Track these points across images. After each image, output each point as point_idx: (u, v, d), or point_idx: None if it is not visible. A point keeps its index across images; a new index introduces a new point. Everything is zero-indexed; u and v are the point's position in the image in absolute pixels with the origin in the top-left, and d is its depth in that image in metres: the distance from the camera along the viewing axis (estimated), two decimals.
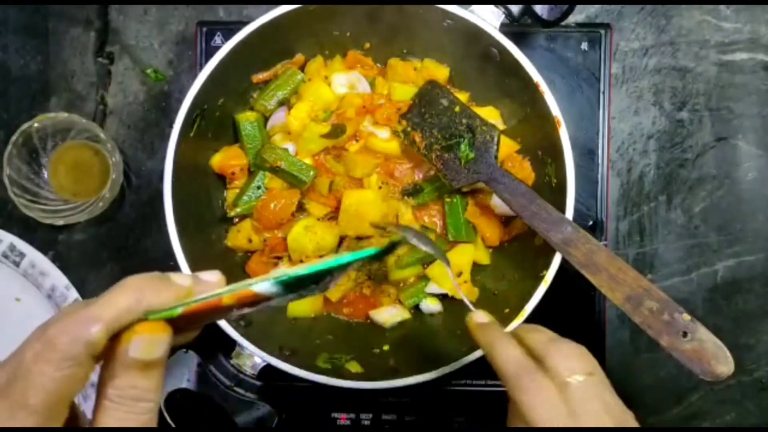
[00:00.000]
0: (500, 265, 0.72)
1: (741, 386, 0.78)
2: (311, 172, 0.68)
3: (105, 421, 0.32)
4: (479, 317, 0.51)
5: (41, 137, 0.76)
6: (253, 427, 0.68)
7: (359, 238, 0.70)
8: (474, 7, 0.64)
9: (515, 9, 0.64)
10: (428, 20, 0.66)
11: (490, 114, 0.71)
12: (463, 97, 0.71)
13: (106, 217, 0.79)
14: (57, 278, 0.76)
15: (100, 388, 0.32)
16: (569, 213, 0.61)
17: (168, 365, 0.33)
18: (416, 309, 0.72)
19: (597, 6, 0.79)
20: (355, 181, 0.70)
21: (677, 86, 0.79)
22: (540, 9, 0.63)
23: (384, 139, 0.70)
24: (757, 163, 0.79)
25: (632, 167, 0.79)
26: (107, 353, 0.32)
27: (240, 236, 0.70)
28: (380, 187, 0.70)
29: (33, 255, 0.76)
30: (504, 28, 0.64)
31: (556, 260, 0.61)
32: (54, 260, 0.77)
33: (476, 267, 0.72)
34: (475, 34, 0.64)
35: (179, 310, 0.32)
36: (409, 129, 0.69)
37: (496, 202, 0.69)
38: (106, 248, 0.80)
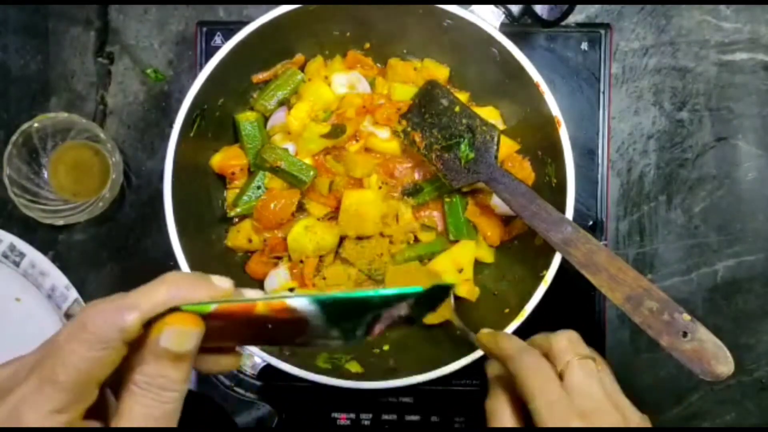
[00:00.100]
0: (500, 265, 0.72)
1: (741, 386, 0.78)
2: (311, 172, 0.68)
3: (130, 406, 0.32)
4: (484, 336, 0.56)
5: (41, 137, 0.76)
6: (253, 427, 0.69)
7: (359, 238, 0.70)
8: (474, 7, 0.64)
9: (515, 9, 0.64)
10: (428, 20, 0.66)
11: (490, 114, 0.71)
12: (463, 97, 0.71)
13: (106, 217, 0.79)
14: (57, 278, 0.76)
15: (129, 372, 0.33)
16: (569, 213, 0.61)
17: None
18: None
19: (597, 6, 0.79)
20: (355, 181, 0.70)
21: (677, 86, 0.79)
22: (540, 9, 0.63)
23: (384, 139, 0.70)
24: (757, 163, 0.79)
25: (632, 167, 0.79)
26: (139, 340, 0.33)
27: (240, 236, 0.70)
28: (380, 187, 0.70)
29: (33, 255, 0.76)
30: (504, 28, 0.64)
31: (556, 260, 0.61)
32: (54, 260, 0.77)
33: (478, 266, 0.72)
34: (475, 34, 0.64)
35: (212, 307, 0.32)
36: (409, 129, 0.69)
37: (496, 202, 0.69)
38: (106, 248, 0.80)
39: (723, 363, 0.52)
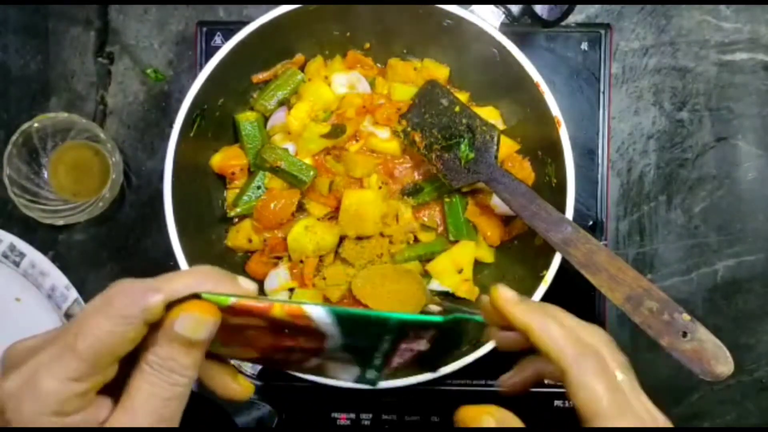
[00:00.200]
0: (500, 264, 0.72)
1: (741, 386, 0.78)
2: (311, 172, 0.68)
3: (139, 384, 0.33)
4: (506, 292, 0.43)
5: (41, 137, 0.76)
6: (253, 427, 0.69)
7: (359, 238, 0.70)
8: (474, 7, 0.64)
9: (515, 9, 0.64)
10: (428, 20, 0.66)
11: (490, 114, 0.71)
12: (463, 97, 0.71)
13: (106, 217, 0.79)
14: (57, 278, 0.76)
15: (143, 351, 0.33)
16: (569, 213, 0.61)
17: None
18: None
19: (597, 6, 0.79)
20: (355, 181, 0.70)
21: (677, 86, 0.79)
22: (540, 9, 0.63)
23: (384, 139, 0.70)
24: (757, 163, 0.79)
25: (632, 167, 0.79)
26: (158, 323, 0.33)
27: (240, 236, 0.70)
28: (380, 187, 0.70)
29: (33, 255, 0.76)
30: (504, 28, 0.64)
31: (556, 260, 0.61)
32: (54, 260, 0.77)
33: (478, 266, 0.72)
34: (475, 34, 0.64)
35: (231, 300, 0.32)
36: (409, 129, 0.69)
37: (496, 202, 0.69)
38: (106, 248, 0.80)
39: (723, 363, 0.52)
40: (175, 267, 0.62)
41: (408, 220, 0.70)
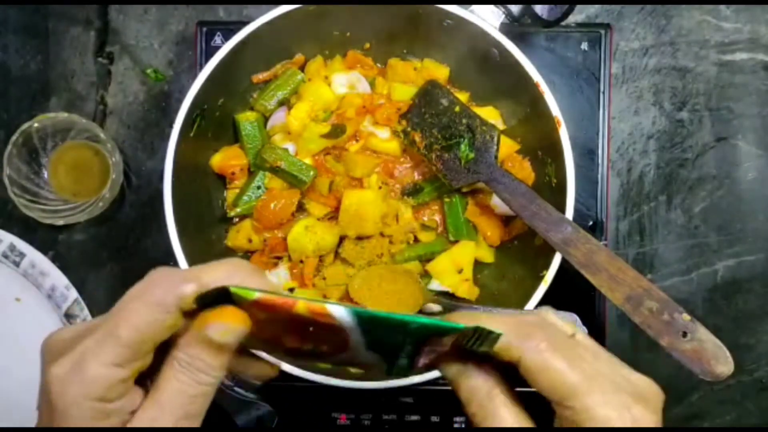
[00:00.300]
0: (500, 264, 0.72)
1: (741, 386, 0.78)
2: (311, 172, 0.68)
3: (168, 379, 0.34)
4: (430, 308, 0.45)
5: (41, 137, 0.76)
6: (253, 427, 0.68)
7: (359, 238, 0.70)
8: (474, 7, 0.64)
9: (515, 9, 0.64)
10: (428, 20, 0.66)
11: (490, 114, 0.71)
12: (463, 97, 0.71)
13: (106, 217, 0.79)
14: (57, 278, 0.76)
15: (174, 349, 0.35)
16: (569, 213, 0.61)
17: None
18: None
19: (597, 6, 0.79)
20: (355, 181, 0.70)
21: (677, 86, 0.79)
22: (540, 9, 0.63)
23: (384, 139, 0.70)
24: (757, 163, 0.79)
25: (632, 167, 0.79)
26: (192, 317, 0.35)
27: (240, 236, 0.70)
28: (380, 187, 0.70)
29: (33, 255, 0.76)
30: (504, 28, 0.64)
31: (556, 260, 0.61)
32: (54, 260, 0.77)
33: (478, 266, 0.72)
34: (475, 34, 0.64)
35: (257, 295, 0.33)
36: (409, 129, 0.69)
37: (496, 202, 0.69)
38: (106, 248, 0.80)
39: (723, 363, 0.52)
40: (175, 267, 0.62)
41: (408, 220, 0.70)
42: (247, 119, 0.71)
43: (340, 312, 0.33)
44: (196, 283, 0.34)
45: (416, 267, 0.71)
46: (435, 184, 0.70)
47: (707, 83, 0.79)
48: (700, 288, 0.78)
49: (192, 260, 0.62)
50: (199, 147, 0.68)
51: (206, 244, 0.69)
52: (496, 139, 0.64)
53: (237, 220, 0.72)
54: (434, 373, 0.61)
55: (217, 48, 0.63)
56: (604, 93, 0.75)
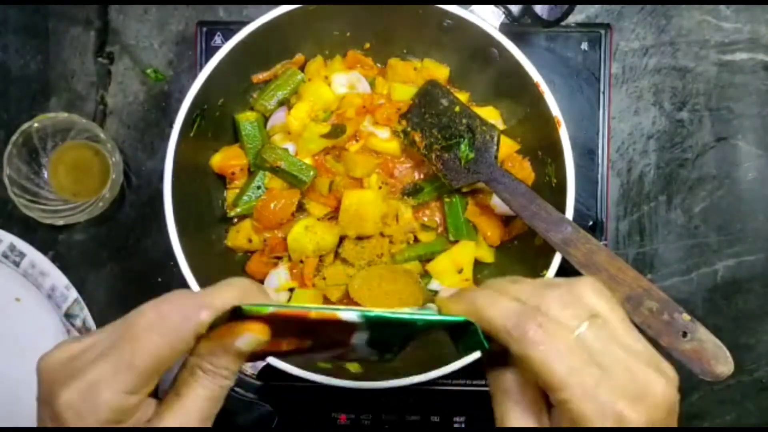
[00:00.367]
0: (500, 264, 0.72)
1: (741, 386, 0.78)
2: (311, 172, 0.68)
3: (194, 386, 0.36)
4: (446, 291, 0.41)
5: (41, 137, 0.76)
6: (253, 427, 0.68)
7: (359, 238, 0.70)
8: (474, 7, 0.64)
9: (515, 9, 0.64)
10: (428, 20, 0.66)
11: (490, 114, 0.71)
12: (463, 97, 0.71)
13: (106, 217, 0.79)
14: (57, 278, 0.76)
15: (195, 359, 0.36)
16: (569, 213, 0.61)
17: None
18: None
19: (597, 6, 0.79)
20: (355, 181, 0.70)
21: (677, 86, 0.79)
22: (540, 9, 0.63)
23: (384, 139, 0.70)
24: (757, 163, 0.79)
25: (632, 167, 0.79)
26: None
27: (240, 236, 0.70)
28: (380, 187, 0.70)
29: (33, 255, 0.76)
30: (504, 28, 0.64)
31: (556, 260, 0.61)
32: (54, 260, 0.77)
33: (478, 266, 0.72)
34: (475, 34, 0.64)
35: (270, 309, 0.35)
36: (409, 129, 0.69)
37: (496, 202, 0.69)
38: (106, 248, 0.80)
39: (723, 363, 0.52)
40: (175, 267, 0.62)
41: (408, 220, 0.70)
42: (247, 119, 0.71)
43: (351, 317, 0.35)
44: (211, 309, 0.35)
45: (416, 267, 0.71)
46: (435, 184, 0.70)
47: (707, 83, 0.79)
48: (700, 288, 0.78)
49: (192, 260, 0.62)
50: (199, 147, 0.68)
51: (206, 244, 0.69)
52: (496, 139, 0.64)
53: (237, 220, 0.72)
54: (434, 373, 0.61)
55: (217, 48, 0.63)
56: (604, 93, 0.75)
